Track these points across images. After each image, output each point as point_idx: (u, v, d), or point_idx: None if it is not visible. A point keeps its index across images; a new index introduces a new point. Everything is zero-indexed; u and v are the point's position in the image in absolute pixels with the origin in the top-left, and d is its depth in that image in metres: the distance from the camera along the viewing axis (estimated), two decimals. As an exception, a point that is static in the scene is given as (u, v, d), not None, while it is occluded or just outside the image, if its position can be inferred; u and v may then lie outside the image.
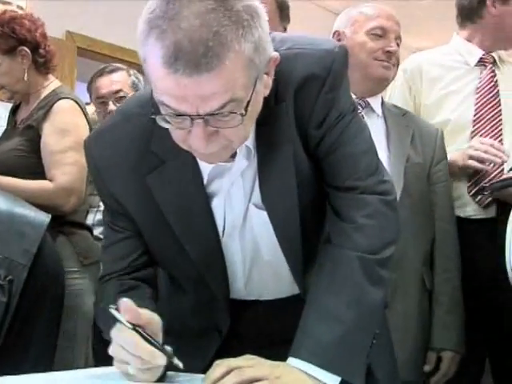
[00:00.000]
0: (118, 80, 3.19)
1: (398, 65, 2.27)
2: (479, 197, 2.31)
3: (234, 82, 1.07)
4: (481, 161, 2.26)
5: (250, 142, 1.26)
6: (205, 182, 1.30)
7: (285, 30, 2.47)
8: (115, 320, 1.20)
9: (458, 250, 2.25)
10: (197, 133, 1.11)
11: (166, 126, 1.14)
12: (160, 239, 1.38)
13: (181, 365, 1.17)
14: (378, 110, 2.28)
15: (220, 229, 1.34)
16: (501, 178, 2.21)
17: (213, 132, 1.12)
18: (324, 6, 6.09)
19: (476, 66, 2.50)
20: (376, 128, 2.16)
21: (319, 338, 1.22)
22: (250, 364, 1.17)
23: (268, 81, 1.17)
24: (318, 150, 1.31)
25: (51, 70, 2.63)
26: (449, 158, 2.31)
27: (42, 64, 2.57)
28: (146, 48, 1.08)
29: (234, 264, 1.39)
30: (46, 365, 1.60)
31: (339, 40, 2.25)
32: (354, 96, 1.49)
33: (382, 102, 2.31)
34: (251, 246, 1.37)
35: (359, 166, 1.32)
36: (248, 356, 1.21)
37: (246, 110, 1.10)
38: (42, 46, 2.55)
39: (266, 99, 1.19)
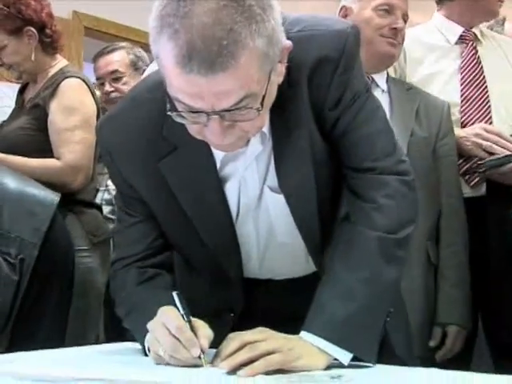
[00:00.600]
0: (114, 60, 3.23)
1: (403, 42, 2.25)
2: (470, 176, 2.29)
3: (250, 79, 1.06)
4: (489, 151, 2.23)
5: (265, 127, 1.25)
6: (218, 166, 1.30)
7: None
8: (174, 304, 1.22)
9: (465, 224, 2.23)
10: (213, 127, 1.11)
11: (181, 121, 1.14)
12: (173, 223, 1.38)
13: (202, 362, 1.17)
14: (383, 86, 2.27)
15: (234, 212, 1.35)
16: (495, 157, 2.18)
17: (229, 125, 1.12)
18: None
19: (456, 43, 2.48)
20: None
21: (332, 313, 1.22)
22: (263, 337, 1.17)
23: (282, 68, 1.16)
24: (333, 132, 1.30)
25: (58, 50, 2.63)
26: None
27: (49, 44, 2.57)
28: (158, 46, 1.08)
29: (248, 246, 1.40)
30: (58, 341, 1.60)
31: (346, 15, 2.24)
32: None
33: (388, 78, 2.30)
34: (266, 228, 1.38)
35: (376, 147, 1.31)
36: (261, 329, 1.21)
37: (262, 105, 1.10)
38: (48, 26, 2.55)
39: (279, 84, 1.18)
